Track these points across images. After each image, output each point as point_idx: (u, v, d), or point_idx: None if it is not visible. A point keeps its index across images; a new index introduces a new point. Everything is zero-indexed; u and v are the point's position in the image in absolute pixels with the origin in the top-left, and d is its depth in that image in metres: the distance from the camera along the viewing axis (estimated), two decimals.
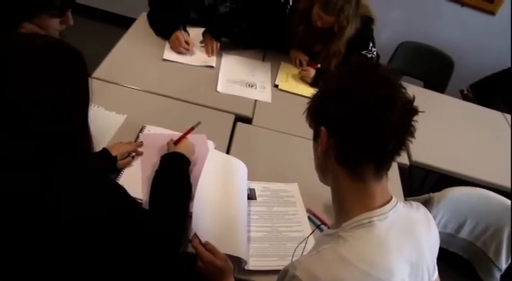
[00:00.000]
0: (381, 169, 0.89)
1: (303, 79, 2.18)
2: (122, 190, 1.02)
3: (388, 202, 0.91)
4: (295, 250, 1.21)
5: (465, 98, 2.89)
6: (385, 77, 0.87)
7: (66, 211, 0.88)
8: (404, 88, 0.87)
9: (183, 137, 1.52)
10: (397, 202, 0.92)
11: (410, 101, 0.87)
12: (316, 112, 0.94)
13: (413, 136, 0.88)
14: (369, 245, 0.85)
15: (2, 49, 0.84)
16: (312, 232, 1.31)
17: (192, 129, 1.55)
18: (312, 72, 2.15)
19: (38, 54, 0.85)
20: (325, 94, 0.93)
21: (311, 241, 1.37)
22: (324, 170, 0.97)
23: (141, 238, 1.05)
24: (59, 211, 0.88)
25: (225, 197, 1.42)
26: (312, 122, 0.97)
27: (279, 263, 1.30)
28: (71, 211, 0.89)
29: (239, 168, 1.54)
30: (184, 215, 1.26)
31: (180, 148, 1.45)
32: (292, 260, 1.02)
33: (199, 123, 1.55)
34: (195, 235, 1.22)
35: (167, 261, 1.18)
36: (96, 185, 0.94)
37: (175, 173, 1.36)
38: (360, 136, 0.85)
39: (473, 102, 2.66)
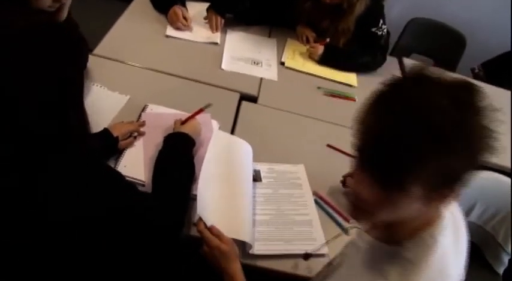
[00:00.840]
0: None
1: (310, 56, 2.12)
2: (119, 179, 0.98)
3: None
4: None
5: (476, 76, 2.82)
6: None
7: (60, 211, 0.85)
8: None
9: (191, 117, 1.48)
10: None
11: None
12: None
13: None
14: (437, 271, 0.77)
15: None
16: (337, 236, 1.26)
17: (201, 110, 1.50)
18: (320, 49, 2.08)
19: (27, 36, 0.79)
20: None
21: (317, 230, 1.36)
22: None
23: (143, 229, 1.03)
24: (53, 211, 0.84)
25: (230, 179, 1.38)
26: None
27: (285, 248, 1.27)
28: (65, 211, 0.85)
29: (244, 149, 1.50)
30: (187, 197, 1.23)
31: (186, 128, 1.40)
32: None
33: (209, 105, 1.50)
34: (200, 218, 1.19)
35: (170, 246, 1.15)
36: (92, 180, 0.90)
37: (178, 154, 1.32)
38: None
39: (484, 81, 2.58)
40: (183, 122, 1.45)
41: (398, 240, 0.80)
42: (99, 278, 1.04)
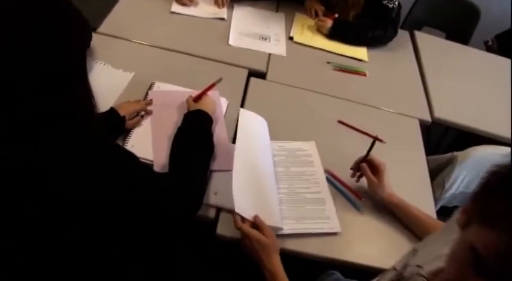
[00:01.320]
0: None
1: (319, 30, 2.06)
2: (133, 160, 0.96)
3: None
4: None
5: (489, 49, 2.74)
6: None
7: (73, 191, 0.83)
8: None
9: (203, 93, 1.44)
10: None
11: None
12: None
13: None
14: None
15: None
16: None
17: (213, 85, 1.46)
18: (328, 22, 2.02)
19: (23, 9, 0.76)
20: None
21: (330, 208, 1.33)
22: None
23: (160, 211, 1.02)
24: (66, 190, 0.83)
25: (258, 163, 1.33)
26: None
27: (296, 227, 1.25)
28: (77, 191, 0.83)
29: (264, 126, 1.44)
30: (206, 176, 1.20)
31: (202, 105, 1.37)
32: None
33: (220, 79, 1.45)
34: (236, 213, 1.13)
35: (185, 227, 1.14)
36: (106, 161, 0.88)
37: (199, 132, 1.28)
38: None
39: (497, 53, 2.51)
40: (195, 99, 1.41)
41: None
42: (113, 258, 1.03)
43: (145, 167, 1.04)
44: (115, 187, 0.88)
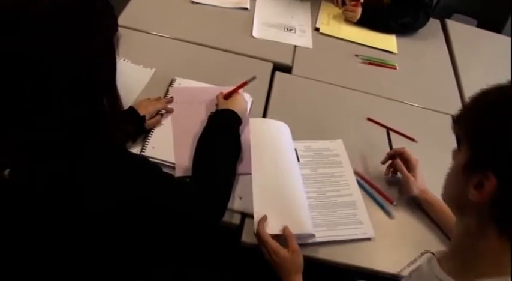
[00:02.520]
0: None
1: (347, 20, 1.96)
2: (157, 172, 0.93)
3: None
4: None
5: None
6: None
7: (97, 199, 0.80)
8: None
9: (235, 91, 1.36)
10: None
11: None
12: (491, 147, 0.67)
13: None
14: None
15: (21, 7, 0.69)
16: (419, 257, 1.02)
17: (245, 84, 1.37)
18: (358, 11, 1.92)
19: (62, 13, 0.71)
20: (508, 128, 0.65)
21: (362, 212, 1.25)
22: (462, 211, 0.76)
23: (182, 220, 0.99)
24: (90, 198, 0.80)
25: (281, 167, 1.25)
26: (467, 144, 0.72)
27: (328, 234, 1.18)
28: (101, 199, 0.81)
29: (285, 131, 1.36)
30: (231, 182, 1.15)
31: (232, 104, 1.30)
32: None
33: (254, 78, 1.36)
34: (261, 221, 1.06)
35: (209, 234, 1.09)
36: (129, 172, 0.85)
37: (225, 135, 1.21)
38: None
39: None
40: (226, 97, 1.35)
41: (466, 277, 0.71)
42: (134, 265, 1.00)
43: (168, 179, 0.99)
44: (141, 200, 0.86)
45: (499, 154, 0.65)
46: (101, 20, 0.78)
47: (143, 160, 0.94)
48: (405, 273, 1.00)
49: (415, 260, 0.98)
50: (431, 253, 0.85)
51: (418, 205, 1.30)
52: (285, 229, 1.06)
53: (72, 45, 0.72)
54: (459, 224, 0.77)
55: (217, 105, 1.34)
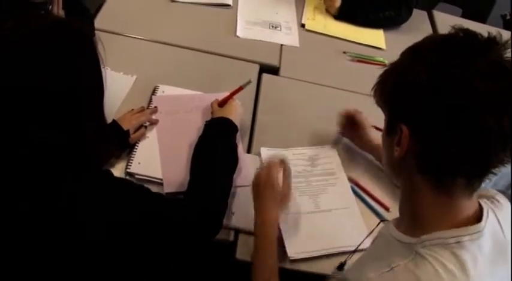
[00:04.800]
0: (475, 183, 0.71)
1: (327, 10, 1.90)
2: (145, 193, 0.90)
3: (478, 214, 0.74)
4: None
5: (507, 24, 2.58)
6: (502, 65, 0.65)
7: (92, 229, 0.77)
8: None
9: (230, 97, 1.30)
10: (488, 212, 0.74)
11: None
12: (395, 100, 0.74)
13: None
14: (453, 277, 0.68)
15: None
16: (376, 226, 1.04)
17: (240, 89, 1.31)
18: (337, 2, 1.85)
19: (41, 36, 0.69)
20: (412, 78, 0.69)
21: (359, 223, 1.22)
22: (397, 173, 0.79)
23: (176, 240, 0.95)
24: (85, 228, 0.77)
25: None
26: (384, 109, 0.78)
27: (325, 247, 1.14)
28: (97, 229, 0.78)
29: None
30: (228, 196, 1.09)
31: (227, 112, 1.24)
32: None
33: (249, 82, 1.31)
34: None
35: (203, 249, 1.05)
36: (122, 197, 0.83)
37: (221, 145, 1.15)
38: (457, 146, 0.66)
39: None
40: (221, 103, 1.29)
41: (417, 234, 0.73)
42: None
43: (158, 198, 0.95)
44: (133, 224, 0.83)
45: (404, 106, 0.71)
46: (80, 42, 0.72)
47: (130, 182, 0.90)
48: (366, 245, 1.02)
49: (372, 231, 0.99)
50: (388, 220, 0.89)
51: None
52: (284, 163, 1.12)
53: (48, 73, 0.68)
54: (401, 187, 0.81)
55: (212, 113, 1.28)
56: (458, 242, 0.69)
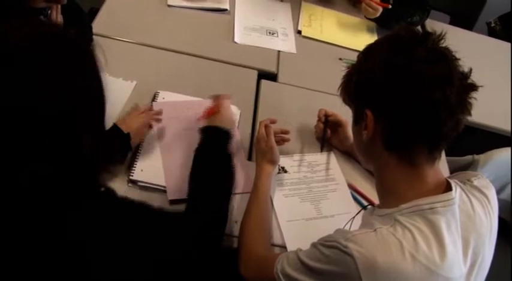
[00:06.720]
0: (435, 152, 0.82)
1: (328, 21, 1.92)
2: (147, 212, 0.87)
3: (446, 185, 0.83)
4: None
5: (492, 31, 2.64)
6: (438, 50, 0.78)
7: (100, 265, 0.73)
8: (458, 59, 0.79)
9: (218, 107, 1.24)
10: (456, 187, 0.83)
11: (467, 75, 0.79)
12: (358, 93, 0.86)
13: (470, 114, 0.80)
14: (428, 240, 0.76)
15: None
16: (359, 212, 1.11)
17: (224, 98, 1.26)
18: (379, 11, 1.85)
19: (39, 48, 0.64)
20: (369, 73, 0.83)
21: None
22: (368, 155, 0.90)
23: (181, 257, 0.92)
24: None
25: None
26: (351, 103, 0.90)
27: None
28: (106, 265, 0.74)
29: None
30: (228, 207, 1.07)
31: (220, 121, 1.19)
32: None
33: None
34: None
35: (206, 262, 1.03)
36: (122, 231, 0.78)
37: (217, 155, 1.12)
38: (413, 120, 0.78)
39: (500, 36, 2.41)
40: (209, 113, 1.24)
41: (398, 205, 0.81)
42: None
43: (161, 216, 0.93)
44: (141, 252, 0.80)
45: (366, 95, 0.83)
46: (79, 59, 0.70)
47: (131, 203, 0.86)
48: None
49: (354, 217, 1.10)
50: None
51: None
52: (266, 126, 1.23)
53: (44, 90, 0.64)
54: (373, 168, 0.91)
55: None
56: (431, 208, 0.78)
